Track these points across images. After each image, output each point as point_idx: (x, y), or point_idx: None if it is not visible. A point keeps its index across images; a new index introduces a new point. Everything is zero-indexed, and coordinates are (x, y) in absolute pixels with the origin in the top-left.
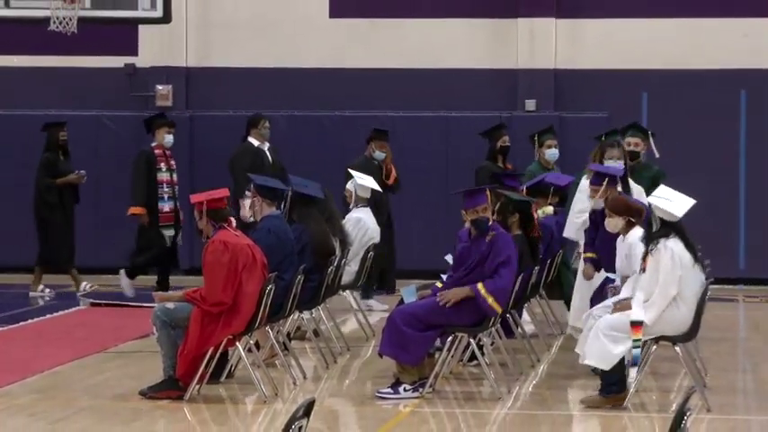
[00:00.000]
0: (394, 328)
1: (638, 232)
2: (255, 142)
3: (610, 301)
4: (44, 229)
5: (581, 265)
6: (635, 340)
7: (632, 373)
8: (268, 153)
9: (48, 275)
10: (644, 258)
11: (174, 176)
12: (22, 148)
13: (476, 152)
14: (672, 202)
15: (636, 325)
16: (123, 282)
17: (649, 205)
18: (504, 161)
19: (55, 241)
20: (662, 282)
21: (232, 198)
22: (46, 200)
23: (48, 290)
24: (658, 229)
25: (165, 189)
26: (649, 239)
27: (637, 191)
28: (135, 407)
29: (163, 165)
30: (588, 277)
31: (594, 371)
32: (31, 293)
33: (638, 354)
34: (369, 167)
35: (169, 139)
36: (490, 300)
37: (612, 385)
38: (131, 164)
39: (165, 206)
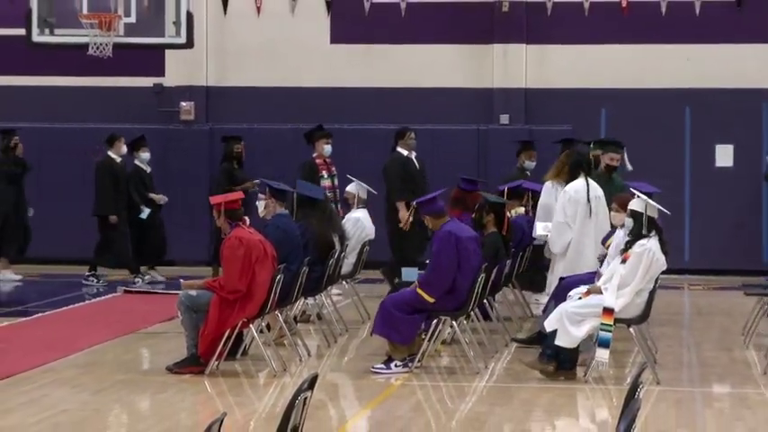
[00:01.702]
0: (386, 311)
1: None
2: (404, 152)
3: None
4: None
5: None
6: (606, 324)
7: (600, 352)
8: (415, 161)
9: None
10: (625, 250)
11: (336, 182)
12: (66, 155)
13: (457, 161)
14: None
15: (608, 311)
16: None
17: (645, 205)
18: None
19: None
20: (638, 278)
21: (387, 201)
22: None
23: None
24: (644, 230)
25: (328, 194)
26: (637, 236)
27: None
28: (162, 380)
29: (324, 172)
30: None
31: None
32: None
33: (609, 337)
34: (519, 177)
35: (328, 148)
36: (420, 291)
37: (567, 362)
38: (297, 172)
39: None
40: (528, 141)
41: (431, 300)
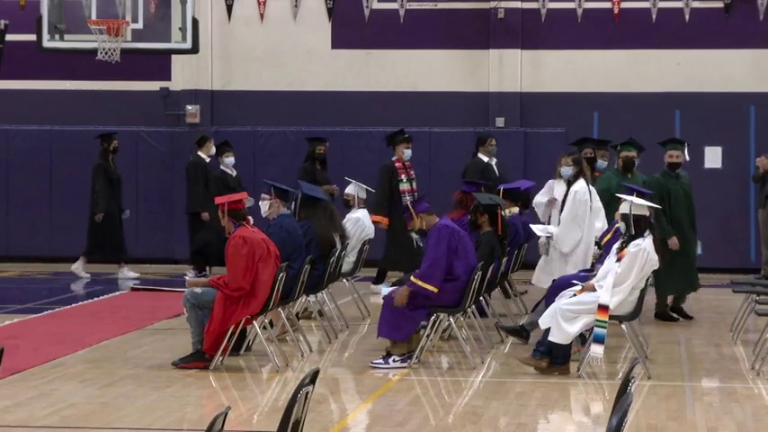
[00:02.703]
0: (388, 312)
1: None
2: (485, 158)
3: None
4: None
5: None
6: (601, 321)
7: (595, 347)
8: (495, 167)
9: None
10: (621, 249)
11: (414, 185)
12: (76, 157)
13: (454, 162)
14: (641, 201)
15: (603, 308)
16: (383, 290)
17: (655, 209)
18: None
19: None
20: (633, 277)
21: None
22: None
23: None
24: (637, 230)
25: (407, 198)
26: (630, 237)
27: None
28: (168, 375)
29: (404, 176)
30: None
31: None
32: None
33: (603, 333)
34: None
35: (408, 152)
36: (421, 284)
37: (560, 357)
38: (377, 175)
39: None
40: (603, 141)
41: (435, 289)
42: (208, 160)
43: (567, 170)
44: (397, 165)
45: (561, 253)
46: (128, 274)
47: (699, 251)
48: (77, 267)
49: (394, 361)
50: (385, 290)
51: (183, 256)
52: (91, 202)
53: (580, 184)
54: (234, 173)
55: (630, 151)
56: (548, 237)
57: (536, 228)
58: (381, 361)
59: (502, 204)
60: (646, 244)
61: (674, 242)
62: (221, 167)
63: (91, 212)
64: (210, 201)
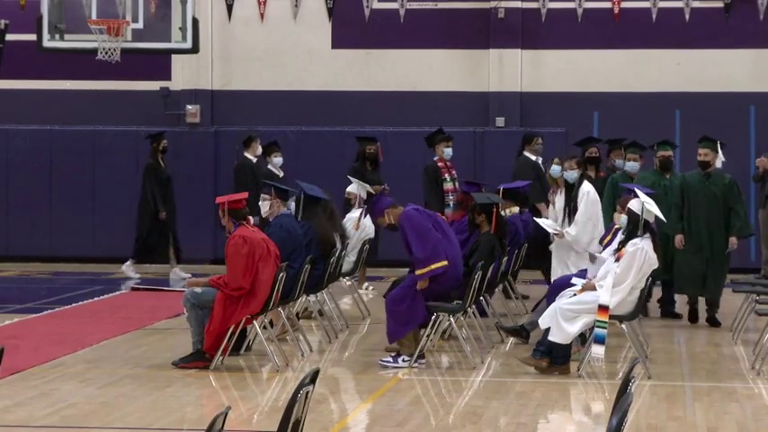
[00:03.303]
0: (393, 314)
1: None
2: (532, 157)
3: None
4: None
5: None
6: (601, 321)
7: (595, 348)
8: (542, 166)
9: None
10: (619, 249)
11: (457, 184)
12: (76, 157)
13: (454, 162)
14: (653, 206)
15: (603, 309)
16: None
17: (642, 207)
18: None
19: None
20: (632, 277)
21: (530, 205)
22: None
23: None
24: (637, 229)
25: (450, 197)
26: (628, 237)
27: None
28: (168, 375)
29: (447, 175)
30: None
31: (517, 332)
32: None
33: (604, 333)
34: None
35: (448, 151)
36: (428, 269)
37: (560, 357)
38: (422, 176)
39: (449, 212)
40: (617, 140)
41: (444, 262)
42: (255, 161)
43: (571, 174)
44: (439, 164)
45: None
46: (180, 274)
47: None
48: (127, 268)
49: (404, 360)
50: None
51: (184, 255)
52: (140, 202)
53: (588, 186)
54: (281, 173)
55: (667, 150)
56: (555, 233)
57: (543, 222)
58: (391, 359)
59: (499, 203)
60: (644, 243)
61: (678, 239)
62: (269, 167)
63: (139, 213)
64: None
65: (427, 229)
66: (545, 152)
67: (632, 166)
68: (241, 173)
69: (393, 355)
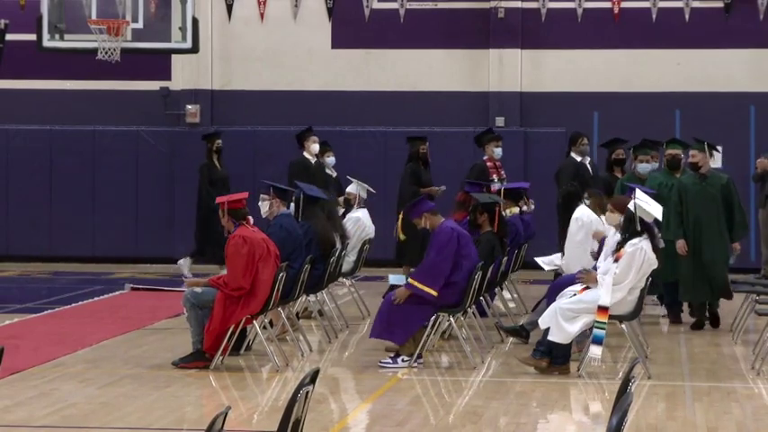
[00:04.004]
0: (385, 313)
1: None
2: (577, 157)
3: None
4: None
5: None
6: (600, 322)
7: (594, 349)
8: (588, 166)
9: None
10: (618, 250)
11: (504, 185)
12: (76, 157)
13: (454, 162)
14: (650, 206)
15: (602, 309)
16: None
17: (635, 206)
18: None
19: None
20: (632, 277)
21: (562, 205)
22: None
23: None
24: (637, 228)
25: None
26: (629, 236)
27: None
28: (168, 375)
29: (495, 176)
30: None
31: (517, 332)
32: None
33: (602, 335)
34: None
35: (498, 151)
36: (420, 286)
37: (560, 357)
38: (468, 174)
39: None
40: (641, 144)
41: (434, 292)
42: (313, 160)
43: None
44: (488, 164)
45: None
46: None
47: (731, 260)
48: (183, 264)
49: (403, 361)
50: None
51: (182, 255)
52: (198, 202)
53: (580, 210)
54: (334, 173)
55: (676, 149)
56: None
57: (542, 261)
58: (390, 360)
59: (501, 203)
60: (642, 243)
61: (680, 245)
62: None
63: (198, 212)
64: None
65: (446, 255)
66: (545, 152)
67: (643, 167)
68: (293, 170)
69: (392, 356)
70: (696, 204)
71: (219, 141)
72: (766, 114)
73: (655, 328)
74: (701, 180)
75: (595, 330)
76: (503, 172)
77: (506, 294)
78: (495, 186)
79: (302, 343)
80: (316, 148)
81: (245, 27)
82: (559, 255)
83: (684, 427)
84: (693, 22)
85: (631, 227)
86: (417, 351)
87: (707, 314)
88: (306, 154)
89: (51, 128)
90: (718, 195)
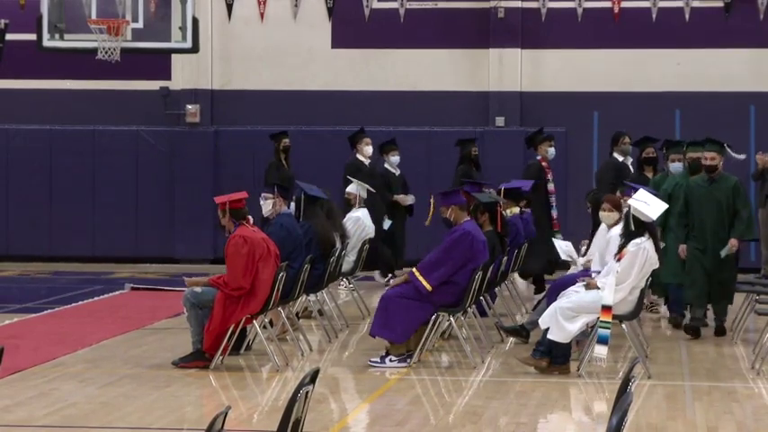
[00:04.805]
0: (383, 311)
1: (618, 227)
2: (619, 157)
3: (579, 285)
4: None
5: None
6: (604, 322)
7: (599, 348)
8: (631, 167)
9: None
10: (620, 250)
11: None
12: (76, 157)
13: (454, 162)
14: (649, 205)
15: (606, 309)
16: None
17: (629, 207)
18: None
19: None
20: (633, 277)
21: (593, 206)
22: None
23: None
24: (637, 228)
25: (553, 198)
26: (629, 237)
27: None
28: (168, 374)
29: (550, 176)
30: None
31: (517, 332)
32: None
33: (607, 334)
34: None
35: (551, 151)
36: (419, 277)
37: (560, 357)
38: (524, 174)
39: (554, 213)
40: (677, 142)
41: (428, 287)
42: (367, 162)
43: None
44: (543, 164)
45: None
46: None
47: (722, 255)
48: None
49: (391, 360)
50: None
51: (182, 255)
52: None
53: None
54: (398, 172)
55: (697, 152)
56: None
57: (559, 245)
58: (378, 360)
59: (501, 202)
60: (646, 243)
61: (681, 250)
62: (385, 166)
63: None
64: (377, 204)
65: (453, 255)
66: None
67: (676, 167)
68: (347, 173)
69: (382, 355)
70: (705, 209)
71: (287, 140)
72: (766, 114)
73: (655, 329)
74: (709, 183)
75: (600, 330)
76: (552, 172)
77: (506, 293)
78: (552, 187)
79: (302, 343)
80: (369, 149)
81: (245, 27)
82: (571, 245)
83: (684, 426)
84: (693, 21)
85: (636, 227)
86: (417, 350)
87: (705, 322)
88: (359, 156)
89: (51, 128)
90: (725, 199)
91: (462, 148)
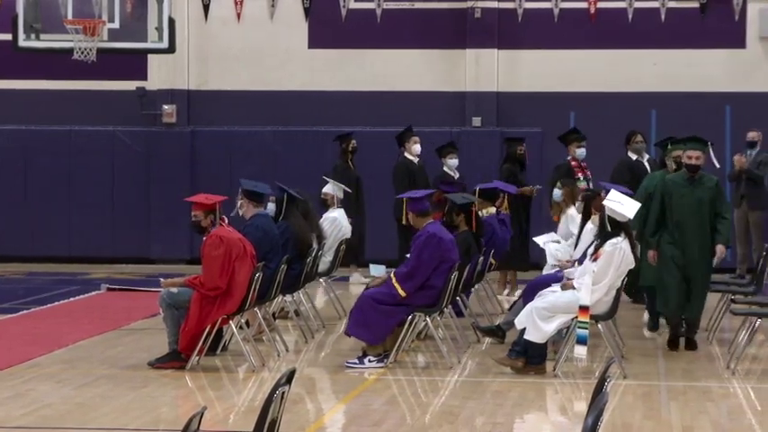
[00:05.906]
0: (360, 312)
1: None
2: (633, 156)
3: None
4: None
5: None
6: (582, 322)
7: (578, 348)
8: (647, 164)
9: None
10: (596, 250)
11: (591, 185)
12: (52, 157)
13: (430, 161)
14: (623, 205)
15: (584, 309)
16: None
17: (603, 207)
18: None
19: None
20: (610, 276)
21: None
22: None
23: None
24: (613, 228)
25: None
26: (605, 237)
27: None
28: (144, 375)
29: (580, 175)
30: None
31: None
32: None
33: (586, 334)
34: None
35: (581, 152)
36: (395, 284)
37: (536, 357)
38: (551, 174)
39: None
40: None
41: (403, 294)
42: (416, 161)
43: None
44: (572, 163)
45: None
46: (360, 278)
47: (714, 264)
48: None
49: (369, 361)
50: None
51: (158, 255)
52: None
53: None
54: (457, 174)
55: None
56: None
57: (544, 242)
58: (356, 361)
59: (475, 202)
60: (622, 243)
61: (650, 255)
62: (444, 169)
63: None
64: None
65: (424, 260)
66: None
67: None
68: (396, 173)
69: (359, 356)
70: (684, 210)
71: (354, 142)
72: (742, 114)
73: (631, 329)
74: (689, 183)
75: (578, 330)
76: (588, 172)
77: (482, 293)
78: (582, 185)
79: (278, 343)
80: (417, 148)
81: (221, 27)
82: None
83: (660, 426)
84: (669, 22)
85: (612, 227)
86: (393, 351)
87: (682, 332)
88: (407, 155)
89: (27, 128)
90: (708, 199)
91: (508, 146)
